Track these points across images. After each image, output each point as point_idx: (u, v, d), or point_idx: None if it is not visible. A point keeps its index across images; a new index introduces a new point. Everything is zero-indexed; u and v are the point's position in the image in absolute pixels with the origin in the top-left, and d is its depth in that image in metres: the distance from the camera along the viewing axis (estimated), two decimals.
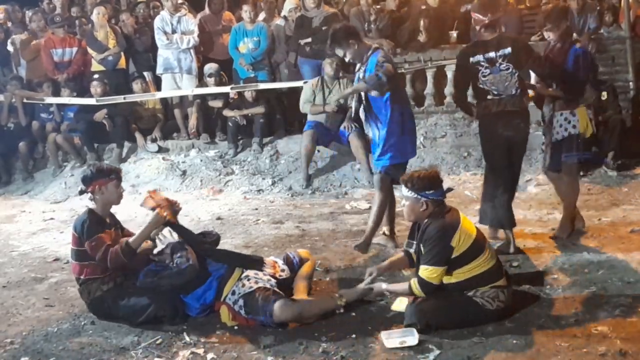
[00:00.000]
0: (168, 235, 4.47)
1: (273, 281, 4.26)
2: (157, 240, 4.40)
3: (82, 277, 4.28)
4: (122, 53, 9.14)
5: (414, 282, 3.85)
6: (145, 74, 9.30)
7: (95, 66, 9.12)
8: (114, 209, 4.47)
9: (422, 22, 8.37)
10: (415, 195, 3.87)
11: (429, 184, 3.87)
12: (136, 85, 8.96)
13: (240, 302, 4.09)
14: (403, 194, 3.95)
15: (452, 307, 3.82)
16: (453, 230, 3.80)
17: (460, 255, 3.80)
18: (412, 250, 4.09)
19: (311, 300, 4.24)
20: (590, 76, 5.16)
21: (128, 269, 4.31)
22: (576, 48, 5.17)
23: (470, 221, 3.98)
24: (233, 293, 4.15)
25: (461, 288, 3.85)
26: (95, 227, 4.21)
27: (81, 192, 4.42)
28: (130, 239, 4.23)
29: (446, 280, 3.85)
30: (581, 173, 7.15)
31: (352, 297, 4.18)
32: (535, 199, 6.59)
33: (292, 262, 4.52)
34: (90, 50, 9.07)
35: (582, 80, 5.16)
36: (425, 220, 3.90)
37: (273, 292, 4.11)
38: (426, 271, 3.80)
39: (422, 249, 3.87)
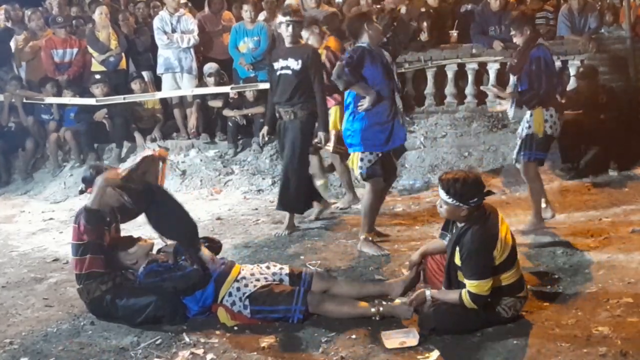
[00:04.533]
0: None
1: (270, 279, 4.26)
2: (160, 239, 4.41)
3: (82, 272, 4.24)
4: (123, 54, 9.14)
5: (465, 296, 3.72)
6: (144, 73, 9.29)
7: (96, 66, 9.10)
8: None
9: (423, 23, 8.36)
10: (457, 203, 3.72)
11: (473, 193, 3.70)
12: (135, 85, 8.96)
13: (245, 302, 4.08)
14: (442, 199, 3.78)
15: (469, 312, 3.76)
16: (494, 240, 3.70)
17: (497, 265, 3.74)
18: (445, 242, 4.02)
19: (348, 299, 4.20)
20: (544, 81, 5.25)
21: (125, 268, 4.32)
22: (534, 51, 5.29)
23: (507, 225, 3.85)
24: (230, 295, 4.14)
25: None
26: (94, 218, 4.21)
27: (81, 192, 4.44)
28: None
29: None
30: (587, 177, 7.18)
31: (388, 311, 4.03)
32: None
33: (301, 277, 4.35)
34: (91, 51, 9.06)
35: (537, 82, 5.26)
36: (463, 224, 3.80)
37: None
38: (476, 287, 3.69)
39: (459, 253, 3.76)
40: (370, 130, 5.21)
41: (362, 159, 5.25)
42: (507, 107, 5.70)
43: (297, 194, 5.96)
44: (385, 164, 5.31)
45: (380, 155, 5.26)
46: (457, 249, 3.78)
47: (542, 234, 5.40)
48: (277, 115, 5.98)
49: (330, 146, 6.48)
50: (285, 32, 5.78)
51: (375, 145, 5.23)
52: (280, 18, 5.83)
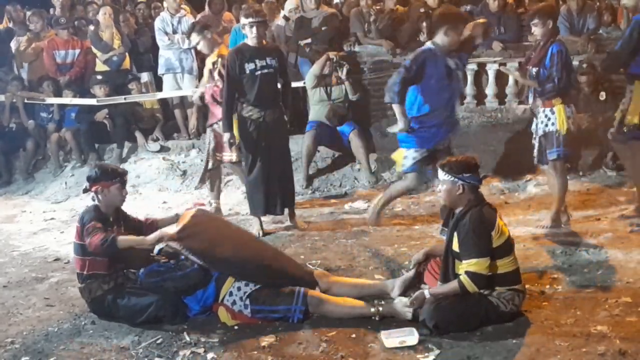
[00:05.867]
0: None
1: None
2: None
3: (84, 272, 4.28)
4: (126, 54, 9.15)
5: (464, 278, 3.78)
6: (145, 74, 9.31)
7: (100, 66, 9.12)
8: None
9: (422, 23, 8.37)
10: (452, 178, 3.89)
11: (466, 167, 3.90)
12: (131, 87, 8.98)
13: (246, 301, 4.10)
14: (440, 178, 3.97)
15: (468, 305, 3.80)
16: (492, 222, 3.82)
17: (494, 248, 3.80)
18: (444, 237, 4.09)
19: (347, 300, 4.20)
20: (564, 74, 5.34)
21: (126, 266, 4.34)
22: (554, 45, 5.35)
23: (504, 222, 3.95)
24: (230, 294, 4.16)
25: None
26: (97, 218, 4.23)
27: (85, 191, 4.46)
28: (120, 237, 4.18)
29: None
30: (581, 173, 7.20)
31: (388, 311, 4.05)
32: (535, 199, 6.59)
33: None
34: (94, 50, 9.07)
35: (556, 76, 5.31)
36: (461, 209, 3.91)
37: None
38: (475, 265, 3.76)
39: (457, 237, 3.84)
40: (418, 132, 5.33)
41: (406, 157, 5.42)
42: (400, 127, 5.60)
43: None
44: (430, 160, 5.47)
45: (425, 153, 5.39)
46: (455, 234, 3.86)
47: (541, 233, 5.42)
48: (250, 116, 5.84)
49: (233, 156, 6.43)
50: (250, 33, 5.74)
51: (420, 143, 5.36)
52: (242, 20, 5.78)
